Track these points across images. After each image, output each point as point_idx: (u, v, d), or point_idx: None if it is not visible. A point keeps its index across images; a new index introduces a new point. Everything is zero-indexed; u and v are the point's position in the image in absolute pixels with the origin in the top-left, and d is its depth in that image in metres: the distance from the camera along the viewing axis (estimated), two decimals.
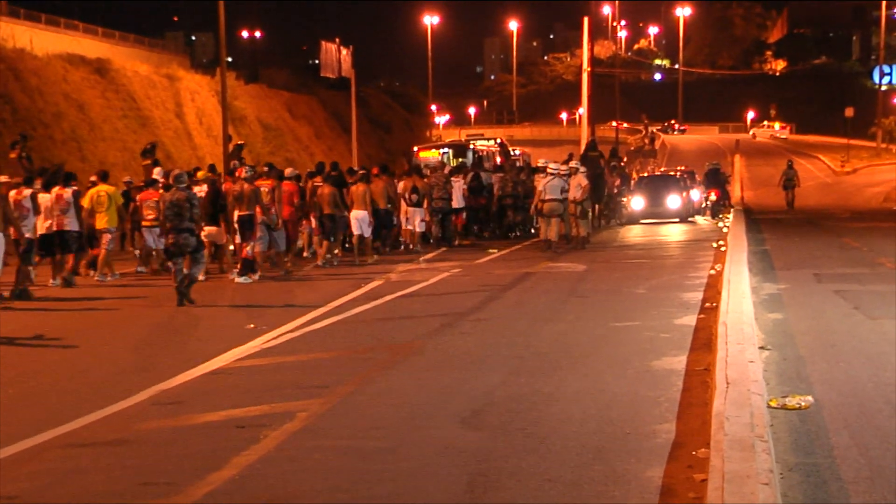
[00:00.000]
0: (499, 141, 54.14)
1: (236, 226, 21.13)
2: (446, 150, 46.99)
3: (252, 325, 14.70)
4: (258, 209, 20.92)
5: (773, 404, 10.02)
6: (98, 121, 45.15)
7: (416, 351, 12.76)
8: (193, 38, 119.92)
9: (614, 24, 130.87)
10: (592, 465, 7.79)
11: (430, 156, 44.60)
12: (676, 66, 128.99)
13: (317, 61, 53.75)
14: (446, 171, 30.07)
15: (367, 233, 24.75)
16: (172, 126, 50.35)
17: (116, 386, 10.93)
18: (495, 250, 27.04)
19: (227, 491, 7.41)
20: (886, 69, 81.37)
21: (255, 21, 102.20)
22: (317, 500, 7.17)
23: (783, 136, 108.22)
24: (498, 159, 45.59)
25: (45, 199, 20.28)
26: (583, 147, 51.71)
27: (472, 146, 48.55)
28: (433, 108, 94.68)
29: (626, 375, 10.91)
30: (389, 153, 67.77)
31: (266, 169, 23.86)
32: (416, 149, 50.63)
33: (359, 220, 24.49)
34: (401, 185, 27.61)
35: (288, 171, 24.35)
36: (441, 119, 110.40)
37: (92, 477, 7.86)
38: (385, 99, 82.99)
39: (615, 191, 35.62)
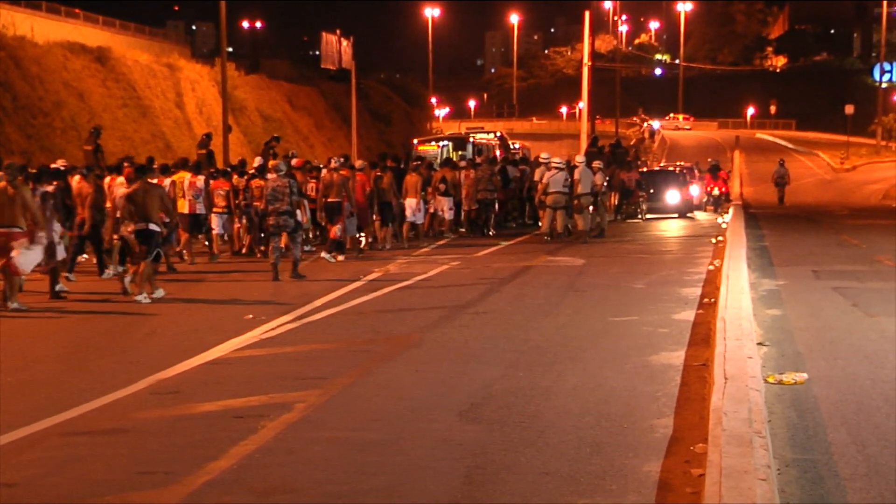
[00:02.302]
0: (498, 134, 54.11)
1: (323, 211, 23.39)
2: (446, 143, 46.97)
3: (251, 316, 14.70)
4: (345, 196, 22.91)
5: (770, 380, 10.09)
6: (98, 109, 45.10)
7: (414, 343, 12.77)
8: (194, 27, 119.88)
9: (615, 18, 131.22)
10: (590, 459, 7.80)
11: (429, 149, 44.59)
12: (677, 62, 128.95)
13: (317, 52, 53.73)
14: (484, 163, 31.81)
15: (420, 219, 27.36)
16: (172, 116, 50.32)
17: (115, 375, 10.94)
18: (504, 242, 27.31)
19: (225, 481, 7.42)
20: (887, 66, 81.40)
21: (256, 11, 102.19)
22: (315, 491, 7.18)
23: (687, 128, 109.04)
24: (497, 152, 45.59)
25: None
26: (583, 141, 51.78)
27: (471, 139, 48.53)
28: (433, 100, 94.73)
29: (625, 370, 10.93)
30: (389, 145, 67.60)
31: (342, 160, 25.24)
32: (415, 141, 50.60)
33: (411, 207, 26.77)
34: (437, 176, 28.97)
35: (359, 163, 26.07)
36: (441, 112, 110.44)
37: (90, 465, 7.87)
38: (385, 91, 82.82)
39: (632, 185, 35.52)
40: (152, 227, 16.96)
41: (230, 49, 50.38)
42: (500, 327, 13.86)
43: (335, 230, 22.88)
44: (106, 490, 7.26)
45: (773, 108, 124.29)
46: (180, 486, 7.28)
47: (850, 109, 76.84)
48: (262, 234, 22.87)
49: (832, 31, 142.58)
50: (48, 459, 8.04)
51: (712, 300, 14.98)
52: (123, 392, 10.17)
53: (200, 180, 23.03)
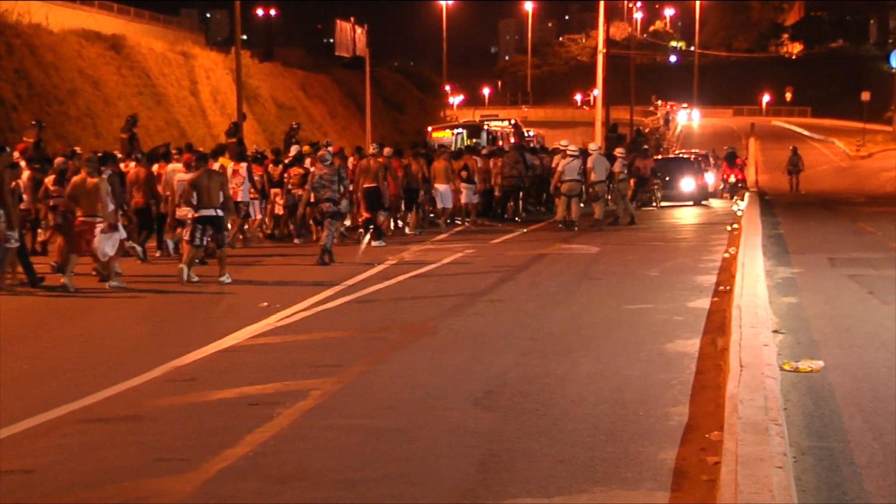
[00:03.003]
0: (513, 122, 54.08)
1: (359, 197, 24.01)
2: (460, 130, 46.98)
3: (265, 304, 14.71)
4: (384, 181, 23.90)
5: (786, 367, 10.07)
6: (113, 97, 45.14)
7: (429, 331, 12.77)
8: (208, 15, 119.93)
9: (630, 5, 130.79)
10: (605, 446, 7.79)
11: (443, 136, 44.63)
12: (692, 49, 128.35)
13: (331, 40, 53.80)
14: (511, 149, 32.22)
15: (449, 204, 27.88)
16: (187, 103, 50.34)
17: (131, 362, 10.97)
18: (523, 230, 27.48)
19: (241, 468, 7.44)
20: None
21: None
22: (330, 478, 7.18)
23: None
24: (512, 140, 45.57)
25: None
26: (597, 129, 51.68)
27: (486, 127, 48.53)
28: (447, 88, 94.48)
29: (639, 358, 10.91)
30: (403, 133, 67.61)
31: (379, 147, 26.42)
32: (429, 129, 50.61)
33: (441, 192, 27.37)
34: (459, 164, 29.28)
35: (387, 151, 26.16)
36: (455, 99, 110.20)
37: (106, 452, 7.90)
38: (399, 79, 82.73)
39: (647, 173, 35.52)
40: (219, 212, 17.53)
41: (244, 37, 50.40)
42: (515, 315, 13.86)
43: (380, 217, 24.07)
44: (122, 476, 7.28)
45: (788, 96, 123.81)
46: (196, 473, 7.30)
47: (866, 96, 76.48)
48: (301, 221, 24.03)
49: (848, 18, 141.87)
50: (64, 446, 8.07)
51: (727, 288, 14.94)
52: (139, 379, 10.20)
53: (243, 168, 23.25)
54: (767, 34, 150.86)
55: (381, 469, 7.36)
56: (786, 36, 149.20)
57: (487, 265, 19.67)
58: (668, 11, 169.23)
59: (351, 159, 25.31)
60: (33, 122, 27.53)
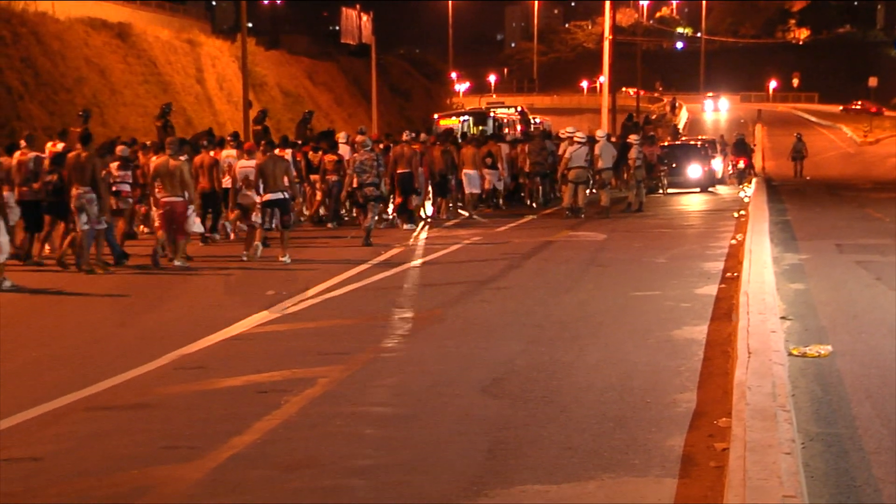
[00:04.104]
0: (519, 109, 53.99)
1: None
2: (467, 117, 46.89)
3: (272, 292, 14.72)
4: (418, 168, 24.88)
5: (794, 353, 10.07)
6: (119, 86, 45.14)
7: (436, 318, 12.78)
8: (214, 3, 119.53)
9: None
10: (613, 433, 7.79)
11: (450, 123, 44.53)
12: (699, 35, 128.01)
13: (337, 28, 53.75)
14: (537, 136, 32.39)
15: (477, 189, 27.94)
16: (193, 91, 50.33)
17: (139, 350, 10.98)
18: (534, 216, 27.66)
19: (250, 455, 7.45)
20: None
21: None
22: (338, 466, 7.19)
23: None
24: (518, 127, 45.52)
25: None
26: (604, 115, 51.60)
27: (492, 114, 48.44)
28: (453, 75, 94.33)
29: (647, 345, 10.91)
30: (409, 121, 67.51)
31: (414, 135, 27.84)
32: (436, 116, 50.53)
33: (470, 177, 27.49)
34: (483, 150, 29.35)
35: (423, 137, 27.83)
36: (461, 87, 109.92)
37: (115, 440, 7.91)
38: (405, 66, 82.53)
39: (654, 160, 35.47)
40: (285, 195, 18.63)
41: (250, 25, 50.36)
42: (522, 302, 13.85)
43: (413, 201, 24.96)
44: (130, 464, 7.29)
45: (795, 82, 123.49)
46: (205, 461, 7.31)
47: (873, 82, 76.48)
48: (335, 206, 25.14)
49: (855, 3, 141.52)
50: (73, 434, 8.08)
51: (735, 274, 14.93)
52: (147, 367, 10.21)
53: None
54: (774, 20, 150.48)
55: (390, 456, 7.37)
56: (793, 21, 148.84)
57: (495, 252, 19.67)
58: None
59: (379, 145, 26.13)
60: (80, 113, 27.78)
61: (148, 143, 23.55)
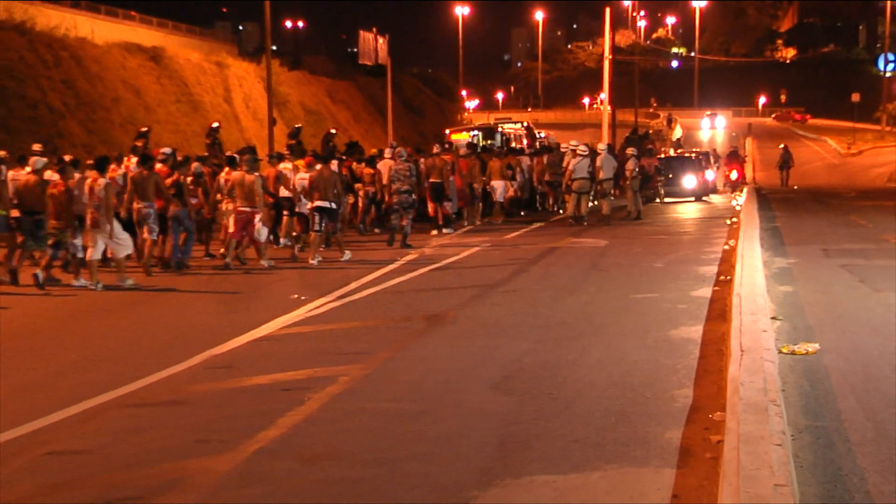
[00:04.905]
0: (525, 124, 53.94)
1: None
2: (476, 132, 46.86)
3: (296, 296, 14.72)
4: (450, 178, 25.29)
5: (784, 350, 10.04)
6: (153, 105, 45.26)
7: (449, 320, 12.77)
8: (241, 27, 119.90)
9: (634, 14, 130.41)
10: (615, 427, 7.78)
11: (461, 138, 44.52)
12: (692, 54, 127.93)
13: (355, 49, 53.68)
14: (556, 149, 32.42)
15: (502, 198, 28.48)
16: (221, 110, 50.41)
17: (172, 351, 11.00)
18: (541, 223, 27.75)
19: (275, 449, 7.45)
20: (891, 57, 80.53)
21: (298, 11, 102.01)
22: (358, 458, 7.19)
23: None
24: (525, 141, 45.48)
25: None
26: (604, 130, 51.56)
27: (500, 129, 48.41)
28: (463, 93, 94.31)
29: (646, 344, 10.89)
30: (422, 136, 67.47)
31: (446, 147, 28.43)
32: (448, 131, 50.52)
33: (496, 188, 28.11)
34: (504, 161, 29.63)
35: (462, 151, 28.20)
36: (471, 104, 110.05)
37: (150, 434, 7.92)
38: (418, 84, 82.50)
39: (651, 171, 35.41)
40: (332, 204, 19.55)
41: (274, 47, 50.35)
42: (529, 304, 13.84)
43: (447, 207, 25.37)
44: (165, 457, 7.30)
45: (783, 97, 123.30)
46: (234, 454, 7.32)
47: (856, 97, 76.26)
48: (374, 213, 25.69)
49: (839, 24, 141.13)
50: (112, 429, 8.10)
51: (728, 278, 14.89)
52: (180, 367, 10.23)
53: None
54: (763, 40, 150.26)
55: (406, 449, 7.36)
56: (780, 41, 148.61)
57: (503, 258, 19.65)
58: (670, 19, 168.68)
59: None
60: (142, 130, 28.04)
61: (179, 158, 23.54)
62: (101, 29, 48.10)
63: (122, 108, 42.73)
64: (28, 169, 16.93)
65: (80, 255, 16.61)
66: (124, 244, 16.51)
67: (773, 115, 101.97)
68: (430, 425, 7.96)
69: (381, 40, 49.09)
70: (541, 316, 12.87)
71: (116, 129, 41.34)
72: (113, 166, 18.83)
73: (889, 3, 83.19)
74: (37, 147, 22.78)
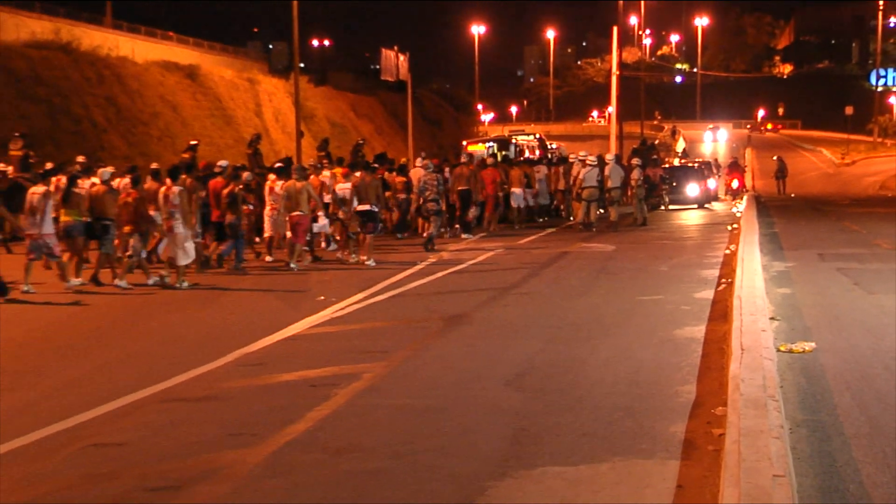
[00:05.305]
0: (537, 136, 53.95)
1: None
2: (492, 143, 46.89)
3: (322, 297, 14.73)
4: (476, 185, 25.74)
5: (782, 349, 10.00)
6: (189, 119, 45.44)
7: (465, 321, 12.75)
8: (271, 46, 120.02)
9: (640, 32, 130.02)
10: (622, 421, 7.75)
11: (477, 149, 44.54)
12: (695, 70, 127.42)
13: (378, 66, 53.71)
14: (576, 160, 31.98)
15: (523, 204, 28.60)
16: (252, 123, 50.56)
17: (205, 350, 11.02)
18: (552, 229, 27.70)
19: (303, 441, 7.45)
20: (882, 72, 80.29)
21: (324, 31, 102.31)
22: (380, 451, 7.18)
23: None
24: (537, 152, 45.49)
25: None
26: (612, 141, 51.46)
27: (514, 140, 48.43)
28: (479, 107, 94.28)
29: (652, 343, 10.85)
30: (440, 147, 67.46)
31: (470, 157, 28.73)
32: (464, 143, 50.52)
33: (517, 195, 28.18)
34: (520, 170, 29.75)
35: (489, 160, 28.53)
36: (486, 117, 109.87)
37: (186, 428, 7.93)
38: (437, 99, 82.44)
39: (657, 180, 35.32)
40: (373, 208, 20.08)
41: (302, 64, 50.36)
42: (541, 306, 13.81)
43: (470, 213, 25.71)
44: (200, 449, 7.31)
45: (780, 110, 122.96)
46: (264, 446, 7.32)
47: (849, 110, 76.02)
48: (402, 219, 25.87)
49: (833, 42, 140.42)
50: (150, 423, 8.11)
51: (729, 281, 14.82)
52: (213, 364, 10.25)
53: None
54: (762, 56, 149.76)
55: (425, 442, 7.35)
56: (778, 58, 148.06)
57: (516, 262, 19.62)
58: (674, 37, 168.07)
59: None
60: (192, 143, 28.49)
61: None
62: (141, 48, 48.35)
63: (160, 123, 42.93)
64: (96, 179, 17.53)
65: (144, 256, 17.16)
66: (188, 252, 16.70)
67: (748, 126, 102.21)
68: (447, 420, 7.95)
69: (402, 58, 49.11)
70: (552, 317, 12.85)
71: (155, 142, 41.54)
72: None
73: (880, 22, 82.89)
74: (80, 159, 23.00)
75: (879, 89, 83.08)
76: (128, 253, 17.14)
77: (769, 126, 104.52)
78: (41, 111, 36.29)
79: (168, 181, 16.92)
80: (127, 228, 16.79)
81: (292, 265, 18.73)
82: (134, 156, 36.22)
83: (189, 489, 6.48)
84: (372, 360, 10.19)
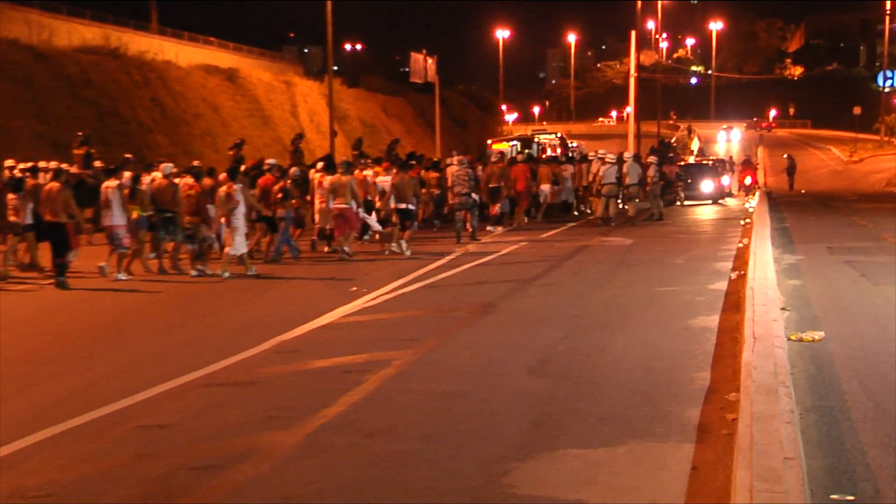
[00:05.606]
0: (559, 135, 53.80)
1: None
2: (515, 142, 46.81)
3: (355, 288, 14.76)
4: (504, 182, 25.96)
5: (792, 338, 9.94)
6: (229, 119, 45.61)
7: (490, 311, 12.74)
8: (306, 50, 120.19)
9: (657, 36, 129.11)
10: (640, 406, 7.73)
11: (501, 147, 44.48)
12: (710, 72, 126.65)
13: (407, 69, 53.75)
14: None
15: (547, 199, 28.65)
16: (289, 124, 50.72)
17: (245, 337, 11.07)
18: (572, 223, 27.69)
19: (337, 424, 7.48)
20: (889, 74, 79.29)
21: (356, 36, 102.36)
22: (410, 433, 7.20)
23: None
24: (558, 150, 45.36)
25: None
26: (630, 140, 51.25)
27: (536, 139, 48.33)
28: (503, 107, 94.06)
29: (668, 332, 10.81)
30: (466, 146, 67.32)
31: (501, 155, 29.30)
32: (489, 141, 50.46)
33: (544, 192, 28.45)
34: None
35: (520, 157, 29.14)
36: (510, 117, 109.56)
37: (228, 411, 7.98)
38: (463, 100, 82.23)
39: (673, 177, 35.13)
40: (410, 206, 20.39)
41: (335, 67, 50.49)
42: (562, 297, 13.79)
43: (496, 208, 25.74)
44: (240, 431, 7.36)
45: (791, 111, 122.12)
46: (300, 428, 7.36)
47: (857, 110, 75.35)
48: (434, 212, 26.16)
49: (842, 45, 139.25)
50: (193, 406, 8.16)
51: (742, 273, 14.75)
52: (253, 351, 10.29)
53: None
54: (773, 59, 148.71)
55: (452, 426, 7.36)
56: (789, 60, 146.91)
57: (538, 255, 19.59)
58: (690, 41, 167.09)
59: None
60: (238, 141, 28.81)
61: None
62: (184, 53, 48.59)
63: (201, 123, 43.12)
64: (158, 174, 18.05)
65: (215, 245, 17.70)
66: (240, 246, 17.02)
67: (745, 125, 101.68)
68: (473, 404, 7.95)
69: (429, 61, 49.15)
70: (573, 307, 12.82)
71: (197, 141, 41.73)
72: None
73: (887, 26, 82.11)
74: (128, 156, 23.11)
75: (886, 90, 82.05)
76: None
77: (763, 124, 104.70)
78: (91, 112, 36.52)
79: (226, 178, 17.37)
80: (188, 220, 17.27)
81: (346, 248, 19.15)
82: (177, 154, 36.38)
83: (230, 468, 6.52)
84: (402, 348, 10.21)
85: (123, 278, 16.43)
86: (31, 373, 9.56)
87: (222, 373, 9.39)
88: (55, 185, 16.02)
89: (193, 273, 16.85)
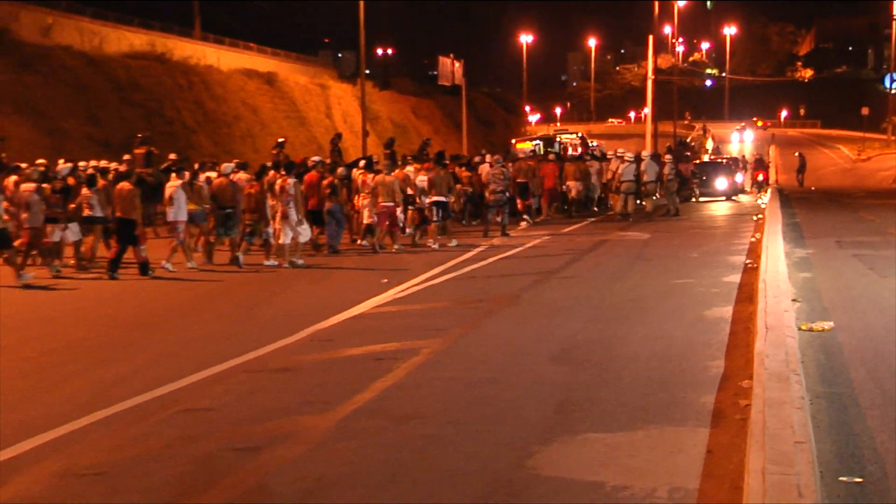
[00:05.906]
0: (580, 135, 53.65)
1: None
2: (538, 141, 46.71)
3: (385, 280, 14.77)
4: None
5: (803, 328, 9.86)
6: (267, 121, 45.78)
7: (514, 302, 12.73)
8: (340, 54, 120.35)
9: (673, 40, 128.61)
10: (657, 393, 7.70)
11: (525, 146, 44.41)
12: (724, 75, 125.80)
13: (435, 72, 53.76)
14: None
15: (577, 196, 28.52)
16: (324, 124, 50.86)
17: (283, 326, 11.11)
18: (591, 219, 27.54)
19: (369, 409, 7.49)
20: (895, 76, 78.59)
21: (387, 41, 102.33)
22: (438, 418, 7.20)
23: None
24: (579, 149, 45.21)
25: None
26: (647, 140, 51.02)
27: (558, 139, 48.19)
28: (527, 108, 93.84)
29: (684, 322, 10.76)
30: (492, 145, 67.26)
31: (531, 153, 29.70)
32: (513, 141, 50.37)
33: (572, 188, 28.24)
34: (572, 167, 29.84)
35: (551, 156, 29.23)
36: (533, 118, 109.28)
37: (265, 396, 8.01)
38: (488, 101, 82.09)
39: (688, 174, 34.90)
40: (444, 199, 20.63)
41: (367, 71, 50.55)
42: (583, 289, 13.75)
43: (521, 204, 25.78)
44: (278, 415, 7.38)
45: (802, 111, 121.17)
46: (334, 413, 7.37)
47: (865, 111, 74.66)
48: (464, 208, 26.03)
49: (851, 48, 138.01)
50: (234, 391, 8.20)
51: (755, 265, 14.66)
52: (290, 339, 10.33)
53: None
54: (784, 62, 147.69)
55: (478, 411, 7.36)
56: (800, 63, 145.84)
57: (560, 249, 19.54)
58: (705, 45, 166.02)
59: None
60: (280, 140, 28.86)
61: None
62: (226, 58, 48.75)
63: (241, 124, 43.32)
64: (212, 174, 18.44)
65: (271, 240, 17.71)
66: (304, 233, 17.52)
67: (741, 125, 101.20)
68: (497, 391, 7.94)
69: (457, 64, 49.12)
70: (593, 298, 12.78)
71: (237, 141, 41.91)
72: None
73: (894, 30, 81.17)
74: (173, 156, 23.25)
75: (893, 91, 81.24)
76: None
77: (759, 123, 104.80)
78: (138, 114, 36.77)
79: (283, 175, 17.66)
80: (249, 217, 17.50)
81: (396, 247, 19.44)
82: (219, 154, 36.54)
83: (269, 450, 6.55)
84: (430, 337, 10.21)
85: (193, 266, 16.75)
86: (82, 358, 9.64)
87: (261, 360, 9.42)
88: (126, 184, 16.22)
89: (268, 263, 17.17)
